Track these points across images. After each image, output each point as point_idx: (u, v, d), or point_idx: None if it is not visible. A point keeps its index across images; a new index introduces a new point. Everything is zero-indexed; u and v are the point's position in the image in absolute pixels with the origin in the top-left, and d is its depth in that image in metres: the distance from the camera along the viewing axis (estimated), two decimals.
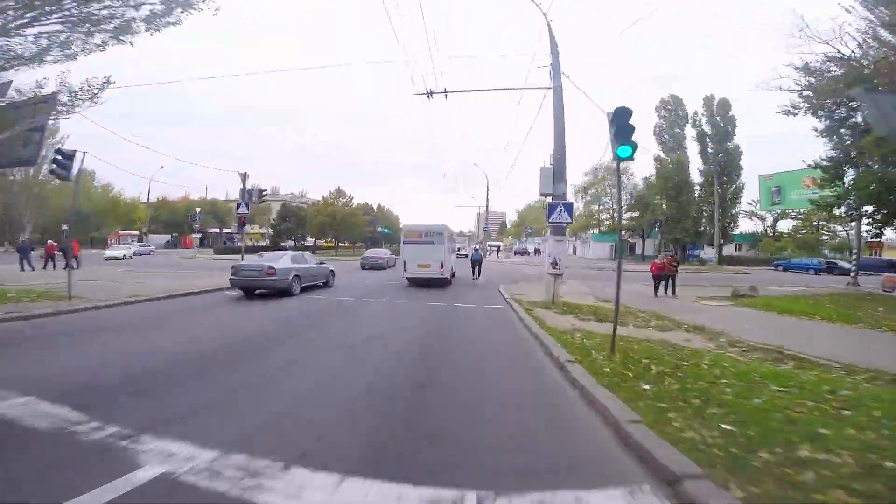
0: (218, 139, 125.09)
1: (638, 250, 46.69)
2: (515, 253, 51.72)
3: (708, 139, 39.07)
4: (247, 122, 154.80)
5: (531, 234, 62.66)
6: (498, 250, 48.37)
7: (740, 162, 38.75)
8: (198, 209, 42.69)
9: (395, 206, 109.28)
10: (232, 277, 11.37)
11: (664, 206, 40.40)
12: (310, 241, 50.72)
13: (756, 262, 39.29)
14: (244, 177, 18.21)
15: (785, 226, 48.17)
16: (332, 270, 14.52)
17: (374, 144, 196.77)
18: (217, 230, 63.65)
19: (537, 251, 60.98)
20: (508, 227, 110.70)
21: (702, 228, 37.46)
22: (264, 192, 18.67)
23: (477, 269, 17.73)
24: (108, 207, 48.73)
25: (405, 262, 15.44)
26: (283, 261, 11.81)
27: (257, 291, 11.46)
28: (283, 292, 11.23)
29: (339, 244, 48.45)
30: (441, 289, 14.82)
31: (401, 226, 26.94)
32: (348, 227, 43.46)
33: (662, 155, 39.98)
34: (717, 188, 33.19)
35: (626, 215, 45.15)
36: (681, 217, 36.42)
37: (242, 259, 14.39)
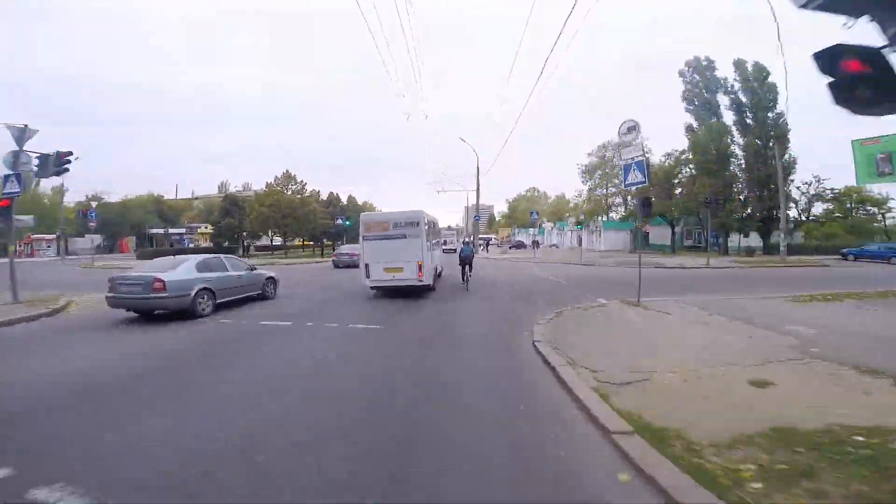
0: (202, 140, 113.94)
1: (655, 240, 39.46)
2: (511, 247, 43.95)
3: (745, 109, 31.62)
4: (228, 122, 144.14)
5: (536, 223, 55.01)
6: (487, 244, 40.21)
7: (788, 135, 31.23)
8: (94, 204, 33.60)
9: (373, 197, 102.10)
10: (109, 295, 8.38)
11: (696, 186, 33.02)
12: (275, 239, 41.68)
13: (810, 250, 32.01)
14: (19, 132, 9.28)
15: (816, 210, 41.43)
16: (270, 278, 11.40)
17: (360, 145, 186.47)
18: (162, 230, 54.55)
19: (536, 244, 53.33)
20: (498, 219, 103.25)
21: (747, 212, 29.94)
22: (67, 157, 10.01)
23: (467, 268, 12.84)
24: (26, 208, 39.24)
25: (367, 266, 10.94)
26: (180, 270, 8.70)
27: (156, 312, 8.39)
28: (185, 313, 8.38)
29: (299, 242, 39.96)
30: (419, 301, 10.62)
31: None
32: (298, 219, 34.45)
33: (695, 123, 32.47)
34: (778, 160, 25.59)
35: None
36: (726, 197, 28.91)
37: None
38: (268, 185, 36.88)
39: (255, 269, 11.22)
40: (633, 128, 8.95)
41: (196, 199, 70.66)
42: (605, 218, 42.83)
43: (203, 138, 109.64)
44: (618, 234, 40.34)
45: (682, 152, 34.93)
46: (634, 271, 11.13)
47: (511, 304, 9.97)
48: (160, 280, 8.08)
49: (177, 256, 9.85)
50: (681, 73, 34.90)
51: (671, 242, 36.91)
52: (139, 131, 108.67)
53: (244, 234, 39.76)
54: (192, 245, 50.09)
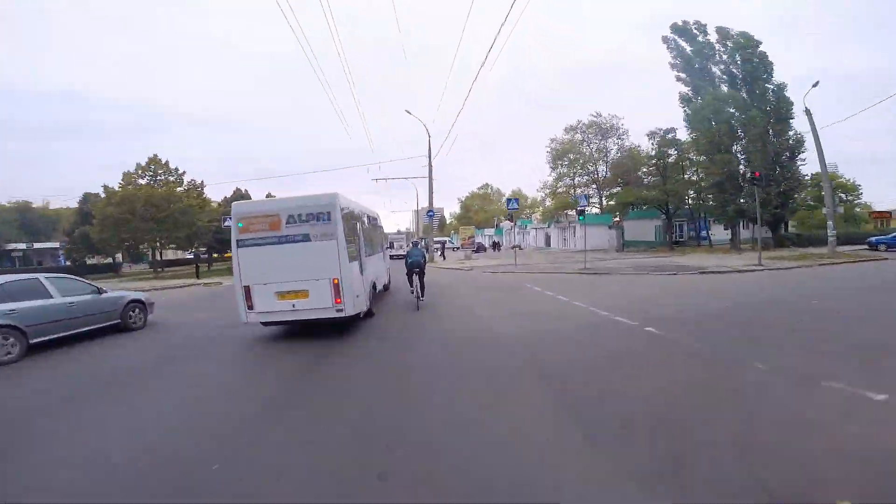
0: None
1: (633, 236, 33.96)
2: (474, 251, 35.79)
3: (739, 81, 26.59)
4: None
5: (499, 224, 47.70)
6: (442, 248, 31.56)
7: (792, 110, 26.46)
8: None
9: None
10: None
11: (697, 173, 27.43)
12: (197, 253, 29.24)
13: (817, 241, 27.50)
14: None
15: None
16: (135, 301, 8.66)
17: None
18: (23, 246, 39.84)
19: (496, 245, 46.35)
20: (449, 221, 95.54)
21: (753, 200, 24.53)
22: None
23: (417, 277, 9.18)
24: None
25: (246, 291, 6.61)
26: None
27: None
28: None
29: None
30: (339, 346, 6.29)
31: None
32: (164, 223, 23.34)
33: (689, 92, 26.79)
34: (814, 133, 19.93)
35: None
36: (732, 184, 23.21)
37: None
38: (125, 175, 25.32)
39: (104, 291, 8.27)
40: None
41: (59, 210, 54.51)
42: (577, 212, 36.37)
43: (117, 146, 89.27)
44: (599, 230, 34.08)
45: (668, 131, 29.48)
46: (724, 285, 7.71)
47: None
48: None
49: None
50: (665, 41, 29.33)
51: (664, 237, 31.29)
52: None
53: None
54: (67, 263, 36.85)
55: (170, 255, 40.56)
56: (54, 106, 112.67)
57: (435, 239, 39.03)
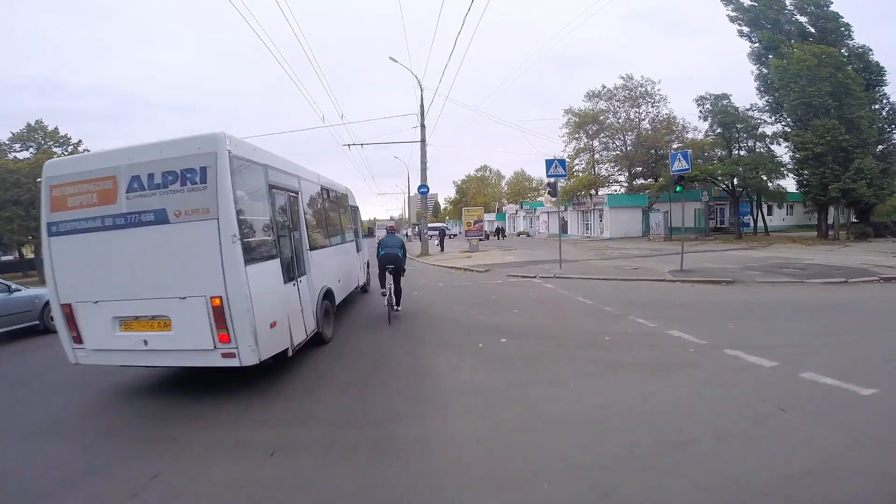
0: None
1: (678, 221, 27.77)
2: (481, 238, 27.43)
3: (811, 41, 20.60)
4: None
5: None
6: (441, 236, 24.21)
7: (885, 76, 20.88)
8: None
9: None
10: None
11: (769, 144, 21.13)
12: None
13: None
14: None
15: None
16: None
17: None
18: None
19: (500, 231, 39.73)
20: (444, 207, 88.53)
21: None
22: None
23: (391, 277, 6.71)
24: None
25: (68, 313, 3.89)
26: None
27: None
28: None
29: None
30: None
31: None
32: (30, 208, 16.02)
33: (760, 48, 20.47)
34: None
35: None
36: (835, 157, 17.17)
37: None
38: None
39: (20, 290, 7.65)
40: None
41: None
42: (603, 192, 30.08)
43: None
44: (629, 213, 27.94)
45: (721, 97, 23.22)
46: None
47: None
48: None
49: None
50: None
51: (706, 223, 25.62)
52: None
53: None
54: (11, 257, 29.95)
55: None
56: None
57: (430, 225, 32.38)
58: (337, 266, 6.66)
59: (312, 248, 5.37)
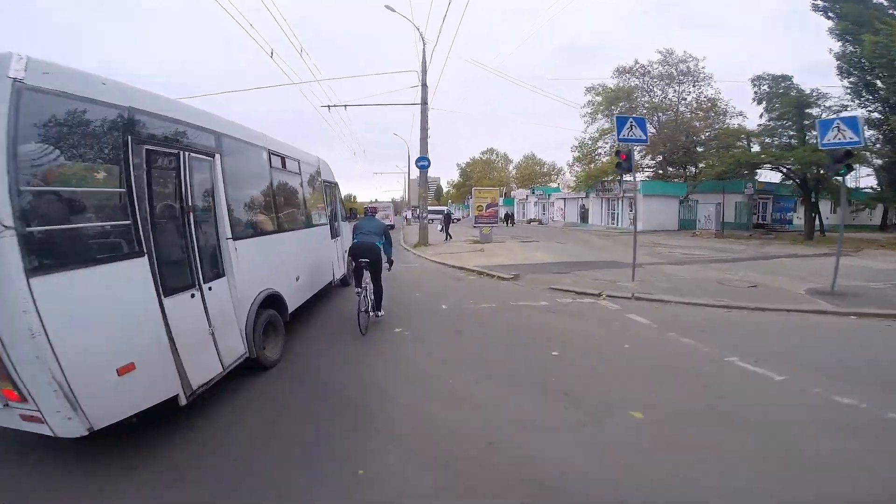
0: None
1: (687, 214, 23.71)
2: (493, 222, 21.73)
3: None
4: None
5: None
6: (446, 222, 19.55)
7: None
8: None
9: None
10: None
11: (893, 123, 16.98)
12: None
13: None
14: None
15: None
16: None
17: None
18: None
19: (508, 217, 35.28)
20: (447, 191, 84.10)
21: None
22: None
23: (370, 276, 5.14)
24: None
25: None
26: None
27: None
28: None
29: None
30: None
31: None
32: None
33: (845, 25, 16.39)
34: None
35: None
36: None
37: None
38: None
39: None
40: None
41: None
42: (644, 177, 26.22)
43: None
44: (665, 203, 24.01)
45: (782, 77, 19.21)
46: None
47: None
48: None
49: None
50: None
51: (749, 218, 22.20)
52: None
53: None
54: None
55: None
56: None
57: (431, 209, 28.25)
58: (294, 259, 5.20)
59: (242, 236, 3.82)
